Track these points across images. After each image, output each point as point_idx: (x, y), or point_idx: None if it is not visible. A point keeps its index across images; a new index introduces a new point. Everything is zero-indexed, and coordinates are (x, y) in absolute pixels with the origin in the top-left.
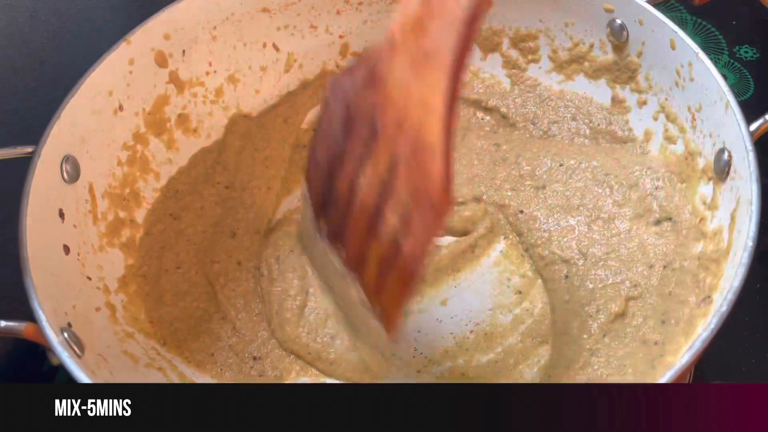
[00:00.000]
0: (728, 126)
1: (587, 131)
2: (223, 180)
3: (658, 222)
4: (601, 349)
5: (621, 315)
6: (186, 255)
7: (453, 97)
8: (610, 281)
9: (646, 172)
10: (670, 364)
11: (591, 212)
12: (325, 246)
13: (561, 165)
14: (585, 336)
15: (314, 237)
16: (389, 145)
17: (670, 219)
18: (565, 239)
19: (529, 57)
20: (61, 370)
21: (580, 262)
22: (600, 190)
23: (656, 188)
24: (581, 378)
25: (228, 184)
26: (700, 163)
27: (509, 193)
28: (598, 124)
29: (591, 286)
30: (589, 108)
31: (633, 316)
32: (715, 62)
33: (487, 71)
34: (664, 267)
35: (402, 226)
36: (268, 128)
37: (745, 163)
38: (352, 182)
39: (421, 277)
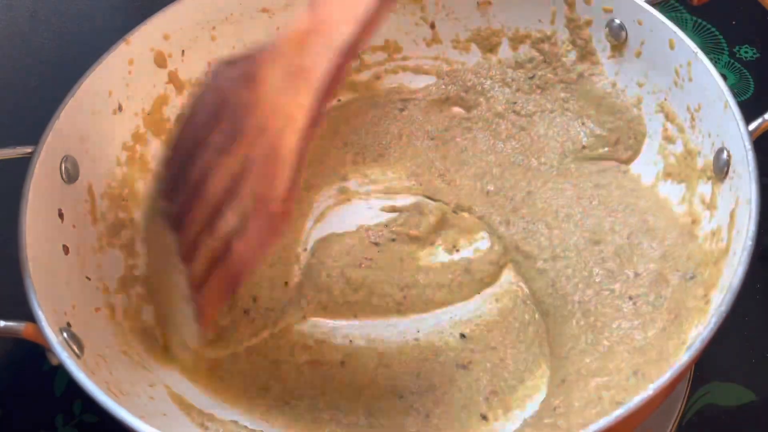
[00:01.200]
0: (727, 125)
1: (571, 151)
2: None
3: (629, 237)
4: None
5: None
6: None
7: (316, 117)
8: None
9: (623, 192)
10: (652, 373)
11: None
12: (164, 228)
13: (535, 185)
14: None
15: (154, 215)
16: (247, 147)
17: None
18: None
19: (528, 57)
20: (61, 370)
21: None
22: (573, 210)
23: (627, 206)
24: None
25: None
26: (699, 162)
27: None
28: (584, 145)
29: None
30: (576, 128)
31: (599, 318)
32: (715, 62)
33: (484, 71)
34: (636, 275)
35: (239, 227)
36: None
37: (744, 162)
38: (205, 171)
39: (243, 283)
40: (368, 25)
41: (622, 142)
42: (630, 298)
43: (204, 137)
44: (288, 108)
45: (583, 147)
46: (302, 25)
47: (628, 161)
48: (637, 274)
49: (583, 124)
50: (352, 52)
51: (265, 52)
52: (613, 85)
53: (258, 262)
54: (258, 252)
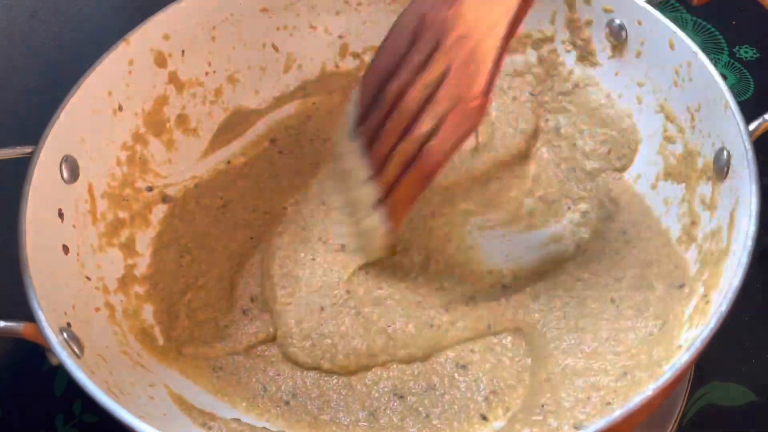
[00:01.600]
0: (727, 126)
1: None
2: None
3: (612, 241)
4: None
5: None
6: (204, 255)
7: (518, 19)
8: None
9: (617, 196)
10: (642, 376)
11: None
12: (355, 149)
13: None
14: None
15: (347, 141)
16: (447, 56)
17: (635, 247)
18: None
19: (526, 65)
20: (61, 370)
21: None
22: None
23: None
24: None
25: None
26: (699, 162)
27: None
28: (586, 147)
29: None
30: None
31: (581, 320)
32: (715, 62)
33: None
34: (617, 279)
35: (434, 127)
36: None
37: (744, 162)
38: (402, 89)
39: (434, 180)
40: None
41: (615, 152)
42: (612, 301)
43: (400, 60)
44: (490, 16)
45: (574, 159)
46: None
47: (622, 169)
48: (617, 279)
49: (574, 145)
50: None
51: None
52: (608, 96)
53: (450, 156)
54: (452, 145)
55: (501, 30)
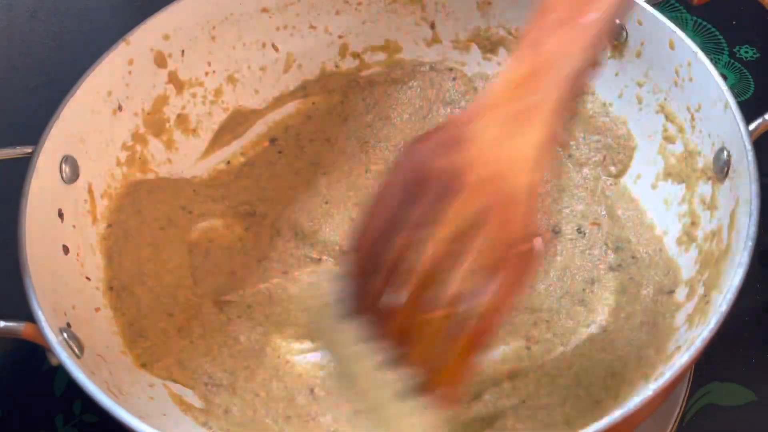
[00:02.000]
0: (727, 126)
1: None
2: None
3: (616, 250)
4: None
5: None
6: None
7: (549, 150)
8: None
9: (612, 202)
10: (635, 377)
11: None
12: (357, 331)
13: None
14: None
15: (341, 320)
16: (466, 205)
17: (627, 252)
18: None
19: None
20: (61, 370)
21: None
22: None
23: (621, 216)
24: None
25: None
26: (699, 162)
27: None
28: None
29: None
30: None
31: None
32: (715, 62)
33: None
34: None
35: (474, 288)
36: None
37: (744, 162)
38: (408, 249)
39: (492, 341)
40: (593, 52)
41: (610, 158)
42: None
43: (401, 216)
44: (516, 151)
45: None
46: (521, 68)
47: (618, 175)
48: (607, 281)
49: (570, 156)
50: (579, 81)
51: (466, 113)
52: (603, 105)
53: (510, 313)
54: (510, 301)
55: (532, 162)
